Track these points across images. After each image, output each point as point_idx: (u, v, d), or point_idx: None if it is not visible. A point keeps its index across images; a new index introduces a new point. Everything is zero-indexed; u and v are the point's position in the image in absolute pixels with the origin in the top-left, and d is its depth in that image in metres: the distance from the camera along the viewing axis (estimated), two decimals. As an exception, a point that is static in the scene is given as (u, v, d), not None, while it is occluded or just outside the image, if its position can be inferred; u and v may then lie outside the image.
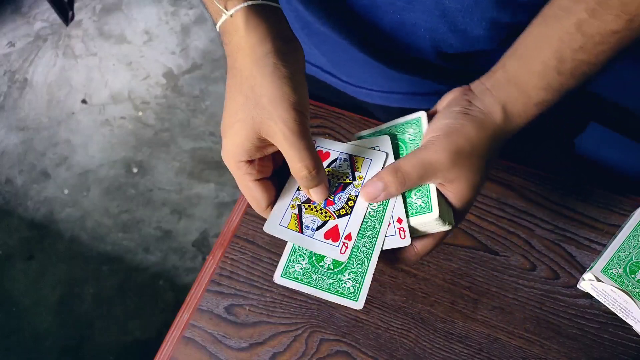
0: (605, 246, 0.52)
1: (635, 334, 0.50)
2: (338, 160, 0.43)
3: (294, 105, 0.35)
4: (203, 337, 0.54)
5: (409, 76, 0.57)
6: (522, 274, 0.54)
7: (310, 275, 0.39)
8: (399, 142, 0.42)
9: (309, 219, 0.40)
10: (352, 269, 0.38)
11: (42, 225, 1.59)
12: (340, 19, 0.51)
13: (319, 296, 0.38)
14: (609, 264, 0.50)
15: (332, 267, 0.38)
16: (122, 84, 1.79)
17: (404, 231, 0.38)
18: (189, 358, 0.53)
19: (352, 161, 0.42)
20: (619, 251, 0.50)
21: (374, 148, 0.42)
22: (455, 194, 0.38)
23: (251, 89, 0.35)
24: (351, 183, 0.41)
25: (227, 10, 0.36)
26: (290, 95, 0.35)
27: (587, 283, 0.51)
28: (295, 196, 0.41)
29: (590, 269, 0.50)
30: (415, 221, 0.38)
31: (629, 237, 0.51)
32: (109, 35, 1.88)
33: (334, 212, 0.40)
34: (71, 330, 1.45)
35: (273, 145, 0.37)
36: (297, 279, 0.39)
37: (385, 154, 0.42)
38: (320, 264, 0.39)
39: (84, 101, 1.78)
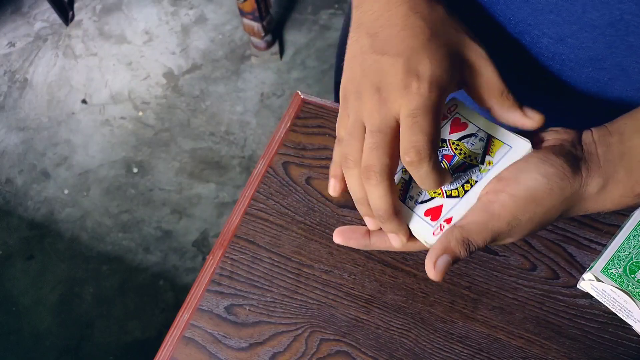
0: (605, 246, 0.52)
1: (635, 334, 0.50)
2: (474, 137, 0.37)
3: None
4: (203, 337, 0.54)
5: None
6: (522, 273, 0.54)
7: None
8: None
9: (416, 189, 0.37)
10: None
11: (42, 225, 1.59)
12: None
13: None
14: (608, 264, 0.50)
15: None
16: (122, 84, 1.79)
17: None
18: (189, 358, 0.53)
19: (489, 143, 0.37)
20: (618, 251, 0.50)
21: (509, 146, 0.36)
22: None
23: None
24: (477, 166, 0.36)
25: None
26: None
27: (587, 283, 0.51)
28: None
29: (590, 269, 0.50)
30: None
31: (629, 237, 0.51)
32: (109, 35, 1.88)
33: (444, 190, 0.36)
34: (71, 330, 1.45)
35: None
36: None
37: (529, 149, 0.35)
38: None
39: (84, 101, 1.78)
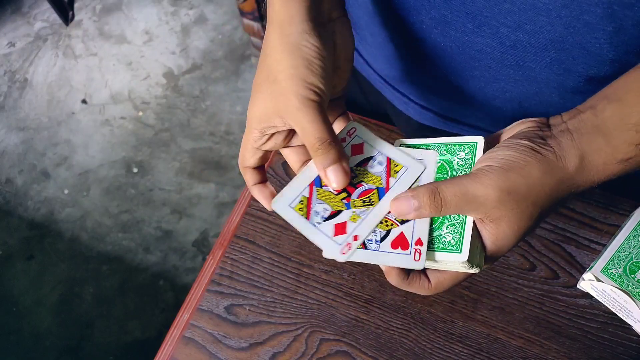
0: (605, 246, 0.52)
1: (635, 334, 0.50)
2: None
3: (310, 86, 0.35)
4: (203, 337, 0.54)
5: (455, 103, 0.53)
6: (522, 273, 0.54)
7: None
8: (445, 164, 0.37)
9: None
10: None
11: (42, 225, 1.59)
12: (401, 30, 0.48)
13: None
14: (608, 264, 0.50)
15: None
16: (122, 84, 1.79)
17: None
18: (189, 358, 0.53)
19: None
20: (618, 251, 0.50)
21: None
22: (494, 236, 0.34)
23: (272, 64, 0.36)
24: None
25: None
26: (307, 76, 0.35)
27: (587, 283, 0.51)
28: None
29: (590, 269, 0.50)
30: (439, 257, 0.35)
31: (629, 237, 0.51)
32: (109, 35, 1.88)
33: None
34: (71, 330, 1.45)
35: (285, 130, 0.38)
36: None
37: (423, 167, 0.37)
38: None
39: (84, 101, 1.78)
